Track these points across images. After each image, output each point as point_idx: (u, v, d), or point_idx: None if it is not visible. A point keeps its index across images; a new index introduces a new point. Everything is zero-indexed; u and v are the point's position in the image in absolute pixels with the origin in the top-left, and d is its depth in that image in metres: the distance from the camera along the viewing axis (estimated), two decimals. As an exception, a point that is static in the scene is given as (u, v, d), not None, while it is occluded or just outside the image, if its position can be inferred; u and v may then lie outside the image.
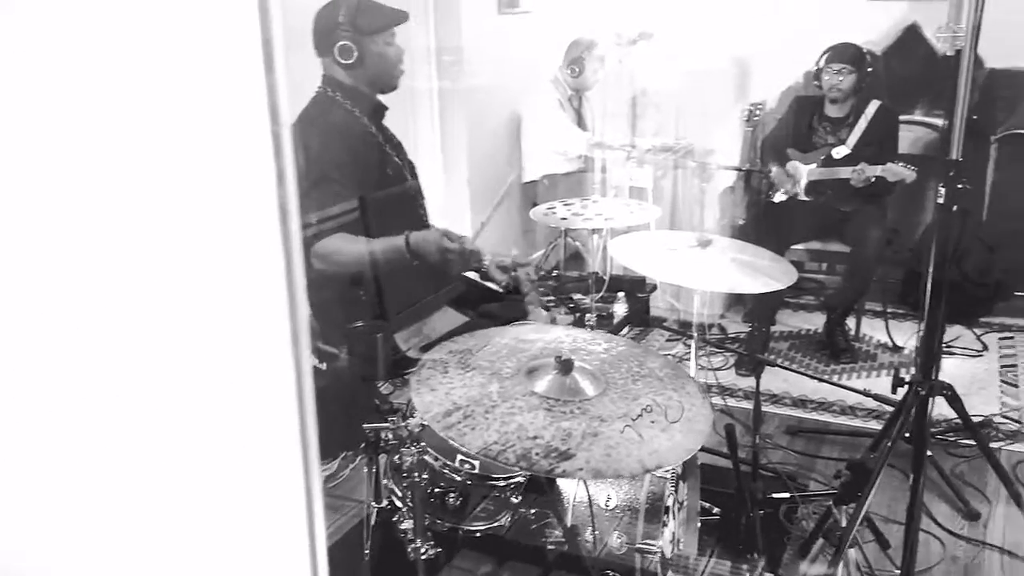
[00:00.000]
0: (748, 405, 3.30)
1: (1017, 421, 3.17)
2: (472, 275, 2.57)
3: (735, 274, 2.19)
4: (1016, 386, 3.48)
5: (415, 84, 4.04)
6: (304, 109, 2.35)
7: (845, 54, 3.69)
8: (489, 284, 2.51)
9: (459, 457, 1.75)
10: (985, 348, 3.85)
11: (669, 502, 1.83)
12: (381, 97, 2.43)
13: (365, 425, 1.75)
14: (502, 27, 4.43)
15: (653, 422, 1.49)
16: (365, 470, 1.91)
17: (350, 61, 2.27)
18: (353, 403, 2.35)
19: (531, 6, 4.60)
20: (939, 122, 4.44)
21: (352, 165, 2.26)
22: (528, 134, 4.55)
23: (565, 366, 1.56)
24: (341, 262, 2.19)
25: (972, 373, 3.60)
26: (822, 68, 3.76)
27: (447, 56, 4.08)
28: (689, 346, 2.65)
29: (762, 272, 2.22)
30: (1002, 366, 3.68)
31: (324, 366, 2.44)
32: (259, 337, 0.53)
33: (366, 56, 2.30)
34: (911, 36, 4.50)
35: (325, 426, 2.28)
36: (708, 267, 2.23)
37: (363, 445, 1.81)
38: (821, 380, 3.42)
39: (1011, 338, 3.98)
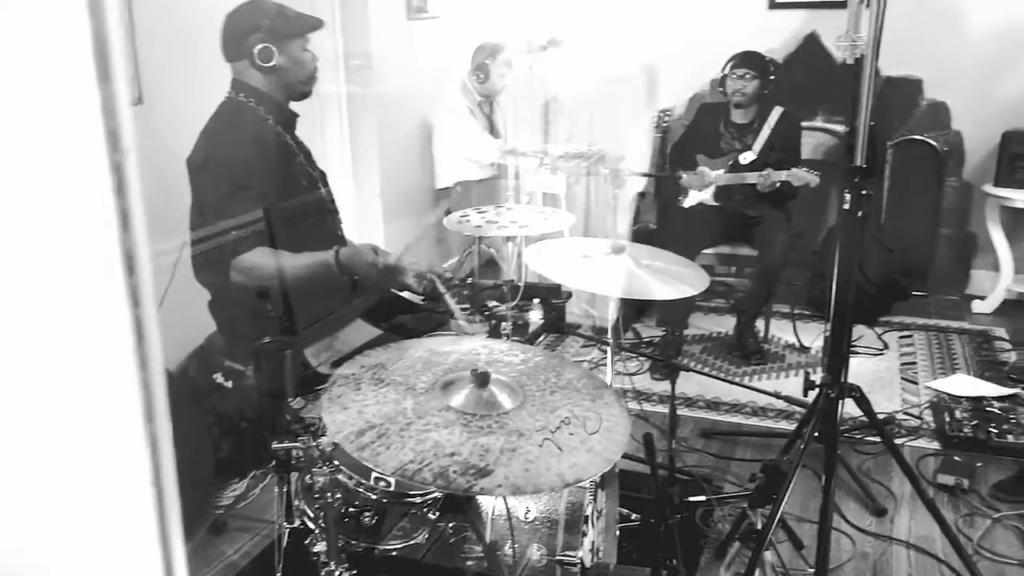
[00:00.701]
0: (664, 409, 3.33)
1: (918, 417, 3.28)
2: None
3: (649, 281, 2.19)
4: (915, 383, 3.60)
5: (323, 89, 3.95)
6: (213, 115, 2.26)
7: (748, 60, 3.78)
8: (405, 294, 2.47)
9: (374, 475, 1.70)
10: (886, 347, 3.99)
11: (588, 511, 1.82)
12: (292, 105, 2.37)
13: (274, 446, 1.68)
14: (411, 32, 4.38)
15: (572, 434, 1.46)
16: (276, 489, 1.84)
17: (270, 64, 2.21)
18: (261, 421, 2.26)
19: (440, 11, 4.56)
20: (839, 128, 4.59)
21: (269, 173, 2.19)
22: (439, 141, 4.51)
23: (481, 379, 1.53)
24: (263, 276, 2.13)
25: (874, 371, 3.72)
26: (727, 74, 3.83)
27: (355, 60, 4.01)
28: (604, 352, 2.65)
29: (675, 278, 2.23)
30: (902, 364, 3.81)
31: (230, 384, 2.35)
32: (105, 416, 0.44)
33: (284, 60, 2.23)
34: (811, 44, 4.64)
35: (233, 445, 2.19)
36: (622, 274, 2.23)
37: (272, 464, 1.75)
38: (733, 383, 3.48)
39: (910, 336, 4.13)
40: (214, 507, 2.69)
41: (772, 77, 3.79)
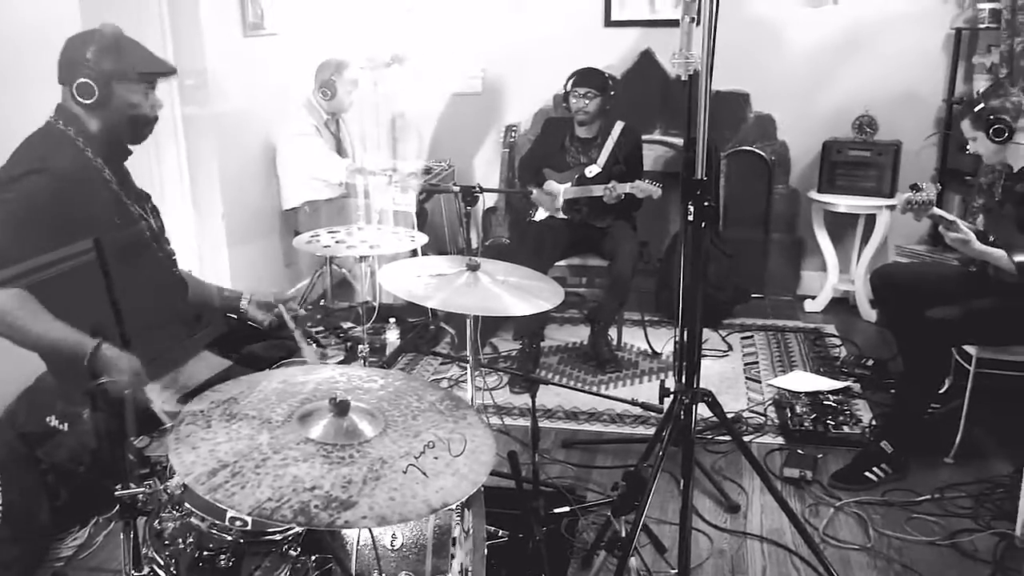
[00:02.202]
0: (524, 422, 3.35)
1: (763, 414, 3.44)
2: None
3: (505, 297, 2.20)
4: (759, 382, 3.79)
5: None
6: (28, 138, 2.07)
7: (589, 79, 3.87)
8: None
9: (230, 514, 1.61)
10: (730, 348, 4.17)
11: (456, 533, 1.79)
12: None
13: (117, 492, 1.56)
14: (249, 50, 4.24)
15: (437, 458, 1.44)
16: (121, 536, 1.71)
17: (89, 102, 2.03)
18: (101, 465, 2.10)
19: (278, 28, 4.44)
20: (676, 141, 4.78)
21: (77, 207, 2.01)
22: (285, 161, 4.38)
23: (340, 408, 1.48)
24: (7, 325, 1.94)
25: (720, 373, 3.88)
26: (569, 91, 3.92)
27: (190, 80, 3.83)
28: (464, 368, 2.64)
29: (531, 293, 2.25)
30: (745, 364, 4.00)
31: (65, 427, 2.17)
32: None
33: (111, 101, 2.06)
34: (646, 61, 4.82)
35: (72, 491, 2.02)
36: (478, 291, 2.23)
37: (117, 509, 1.63)
38: (590, 393, 3.55)
39: (751, 337, 4.34)
40: (53, 559, 2.49)
41: (612, 93, 3.90)
